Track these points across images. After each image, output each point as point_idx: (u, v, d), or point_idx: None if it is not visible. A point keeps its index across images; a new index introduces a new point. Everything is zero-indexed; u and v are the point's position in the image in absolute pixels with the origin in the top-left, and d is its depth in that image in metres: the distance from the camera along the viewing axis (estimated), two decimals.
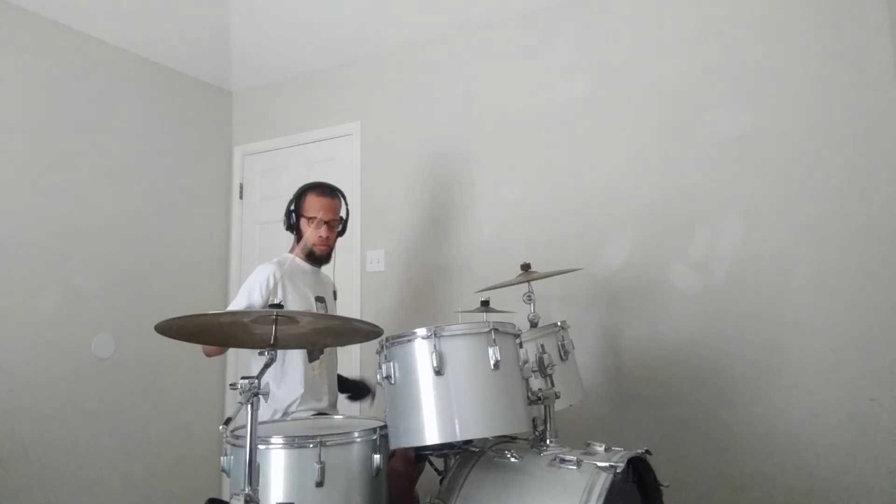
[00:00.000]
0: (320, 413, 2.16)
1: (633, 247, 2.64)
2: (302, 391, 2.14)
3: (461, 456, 1.76)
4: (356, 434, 1.59)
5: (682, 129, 2.60)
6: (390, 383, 1.61)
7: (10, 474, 2.57)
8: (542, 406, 1.76)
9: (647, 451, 1.68)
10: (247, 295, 2.13)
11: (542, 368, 1.87)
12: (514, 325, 1.71)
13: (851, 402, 2.21)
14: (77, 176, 2.96)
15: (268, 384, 1.37)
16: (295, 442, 1.52)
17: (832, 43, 2.35)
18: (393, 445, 1.62)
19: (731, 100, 2.51)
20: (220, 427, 1.35)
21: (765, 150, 2.43)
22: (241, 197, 3.75)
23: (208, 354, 2.19)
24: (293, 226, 2.28)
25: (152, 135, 3.34)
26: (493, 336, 1.57)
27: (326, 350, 2.27)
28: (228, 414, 1.76)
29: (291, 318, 1.44)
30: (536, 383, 1.82)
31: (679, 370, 2.50)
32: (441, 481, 1.77)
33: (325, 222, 2.24)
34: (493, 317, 2.07)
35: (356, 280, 3.27)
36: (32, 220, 2.77)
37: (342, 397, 2.40)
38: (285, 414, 2.13)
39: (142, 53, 3.30)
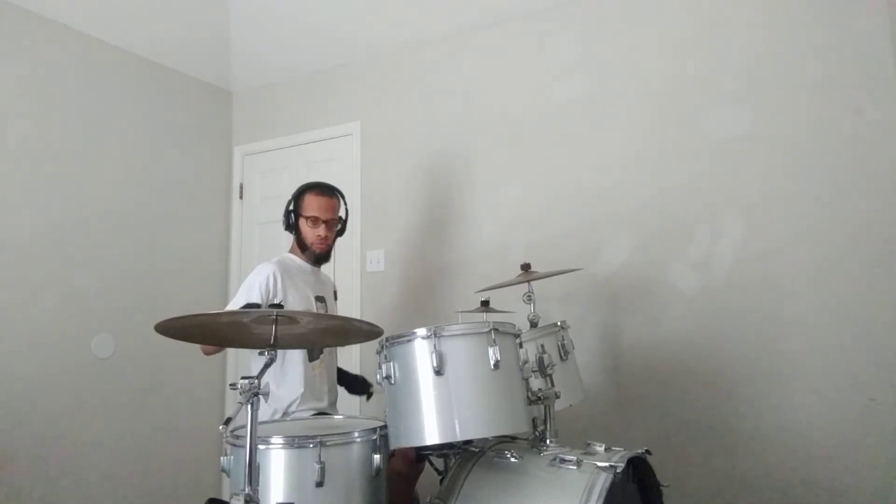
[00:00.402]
0: (320, 412, 2.16)
1: (634, 246, 2.64)
2: (302, 391, 2.14)
3: (461, 456, 1.76)
4: (356, 434, 1.59)
5: (682, 128, 2.60)
6: (390, 383, 1.61)
7: (10, 474, 2.57)
8: (542, 406, 1.76)
9: (647, 451, 1.68)
10: (246, 294, 2.14)
11: (542, 368, 1.87)
12: (514, 325, 1.71)
13: (851, 402, 2.21)
14: (77, 176, 2.96)
15: (268, 384, 1.36)
16: (295, 442, 1.52)
17: (832, 43, 2.35)
18: (393, 445, 1.62)
19: (730, 100, 2.51)
20: (220, 427, 1.35)
21: (765, 150, 2.43)
22: (241, 197, 3.75)
23: (207, 353, 2.18)
24: (292, 225, 2.28)
25: (152, 135, 3.34)
26: (493, 336, 1.57)
27: (326, 350, 2.27)
28: (228, 414, 1.76)
29: (291, 318, 1.44)
30: (536, 383, 1.82)
31: (679, 370, 2.50)
32: (441, 481, 1.77)
33: (324, 221, 2.25)
34: (493, 317, 2.07)
35: (356, 280, 3.27)
36: (32, 220, 2.77)
37: (340, 391, 2.40)
38: (285, 414, 2.13)
39: (142, 53, 3.30)
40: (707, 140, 2.54)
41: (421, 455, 1.96)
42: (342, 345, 2.48)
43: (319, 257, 2.30)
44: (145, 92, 3.32)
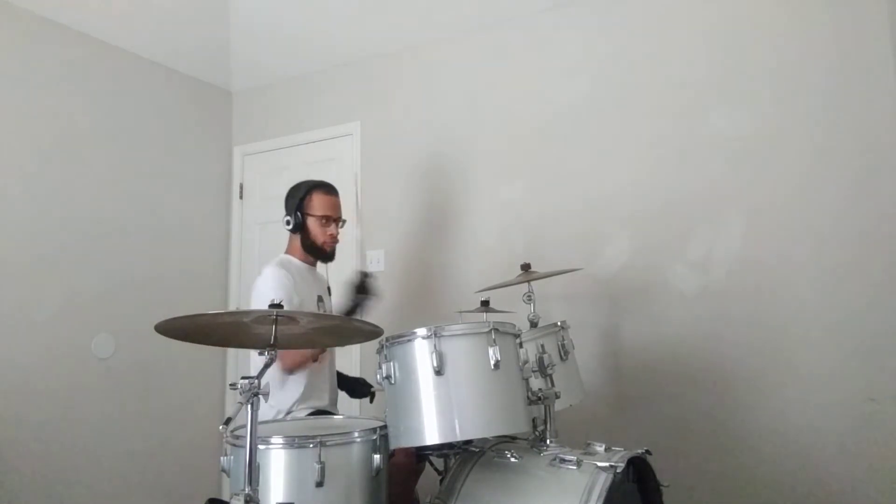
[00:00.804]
0: (321, 411, 2.16)
1: (635, 247, 2.64)
2: (303, 391, 2.14)
3: (461, 456, 1.76)
4: (356, 434, 1.59)
5: (683, 129, 2.59)
6: (390, 383, 1.61)
7: (10, 473, 2.57)
8: (542, 406, 1.76)
9: (647, 451, 1.68)
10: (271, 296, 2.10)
11: (542, 368, 1.87)
12: (514, 325, 1.71)
13: (851, 403, 2.21)
14: (77, 176, 2.96)
15: (268, 384, 1.36)
16: (295, 442, 1.52)
17: (834, 44, 2.35)
18: (393, 445, 1.61)
19: (733, 101, 2.51)
20: (220, 427, 1.35)
21: (767, 152, 2.43)
22: (241, 197, 3.75)
23: (293, 369, 2.08)
24: (299, 225, 2.27)
25: (152, 135, 3.34)
26: (493, 336, 1.57)
27: (327, 349, 2.27)
28: (228, 414, 1.76)
29: (291, 318, 1.44)
30: (536, 383, 1.82)
31: (679, 370, 2.50)
32: (441, 481, 1.77)
33: (333, 220, 2.28)
34: (493, 317, 2.08)
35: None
36: (32, 220, 2.77)
37: (341, 394, 2.40)
38: (287, 413, 2.13)
39: (142, 54, 3.30)
40: (709, 141, 2.54)
41: (421, 455, 1.96)
42: (342, 345, 2.48)
43: (329, 255, 2.31)
44: (145, 92, 3.32)
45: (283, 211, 2.33)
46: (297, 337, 1.58)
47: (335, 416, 2.11)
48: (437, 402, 1.53)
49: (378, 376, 1.64)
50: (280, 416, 2.11)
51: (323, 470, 1.49)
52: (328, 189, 2.30)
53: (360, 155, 3.37)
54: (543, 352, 1.90)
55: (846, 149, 2.30)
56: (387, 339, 1.63)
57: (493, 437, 1.81)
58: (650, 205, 2.62)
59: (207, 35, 3.21)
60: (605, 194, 2.72)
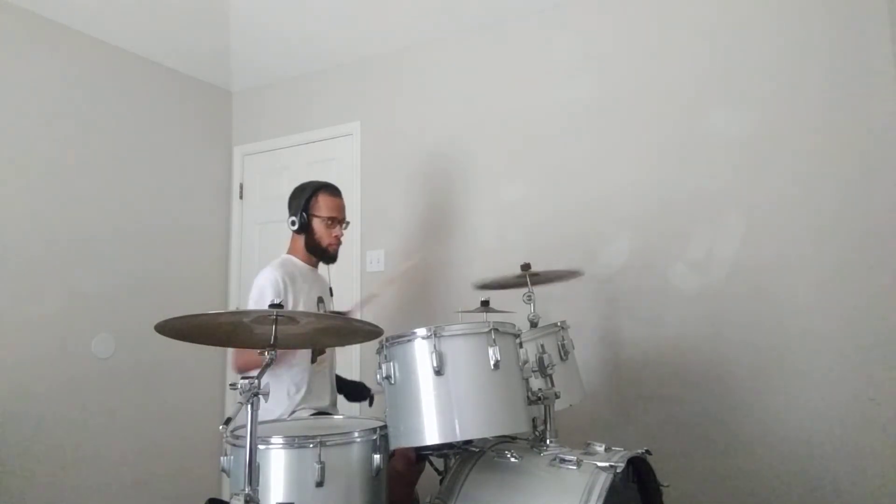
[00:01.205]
0: (321, 412, 2.16)
1: (634, 247, 2.64)
2: (304, 392, 2.14)
3: (461, 456, 1.76)
4: (356, 434, 1.59)
5: (684, 130, 2.59)
6: (390, 383, 1.61)
7: (10, 473, 2.57)
8: (542, 406, 1.76)
9: (647, 451, 1.68)
10: (257, 299, 2.10)
11: (542, 368, 1.87)
12: (514, 325, 1.71)
13: (851, 402, 2.21)
14: (77, 176, 2.96)
15: (268, 384, 1.36)
16: (295, 442, 1.52)
17: (835, 44, 2.35)
18: (393, 445, 1.61)
19: (733, 102, 2.51)
20: (220, 427, 1.35)
21: (768, 152, 2.43)
22: (241, 197, 3.75)
23: (244, 369, 2.03)
24: (304, 226, 2.27)
25: (152, 135, 3.34)
26: (493, 336, 1.57)
27: (327, 350, 2.27)
28: (228, 414, 1.76)
29: (291, 318, 1.44)
30: (536, 383, 1.82)
31: (679, 370, 2.50)
32: (441, 481, 1.78)
33: (339, 221, 2.29)
34: (493, 317, 2.07)
35: (356, 280, 3.27)
36: (33, 220, 2.77)
37: (340, 397, 2.40)
38: (287, 414, 2.12)
39: (142, 54, 3.30)
40: (709, 141, 2.54)
41: (421, 455, 1.96)
42: (342, 345, 2.48)
43: (333, 257, 2.31)
44: (145, 92, 3.32)
45: (283, 211, 2.33)
46: (297, 337, 1.59)
47: (335, 417, 2.11)
48: (436, 402, 1.53)
49: (378, 376, 1.64)
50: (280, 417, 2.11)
51: (323, 470, 1.49)
52: (333, 190, 2.31)
53: (360, 155, 3.37)
54: (543, 352, 1.90)
55: (846, 149, 2.30)
56: (387, 339, 1.63)
57: (493, 437, 1.81)
58: (650, 205, 2.62)
59: (207, 35, 3.21)
60: (605, 194, 2.72)
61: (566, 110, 2.85)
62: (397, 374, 1.59)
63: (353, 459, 1.57)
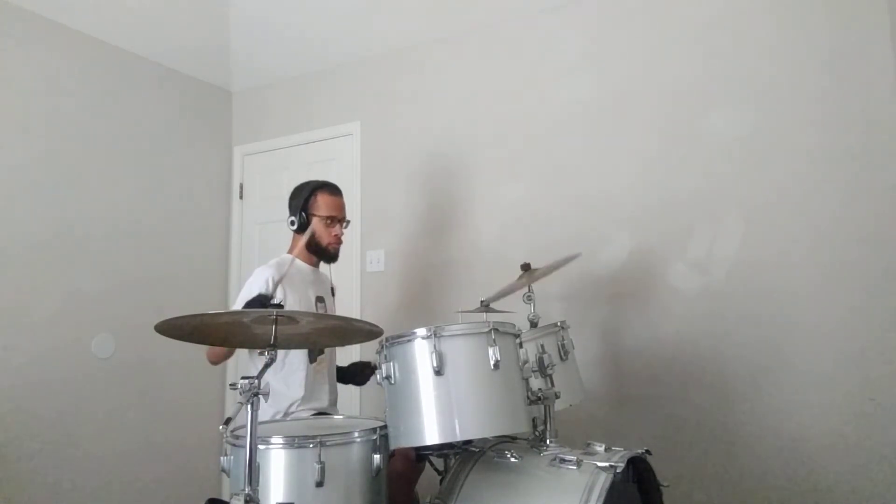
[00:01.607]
0: (321, 412, 2.16)
1: (635, 247, 2.64)
2: (303, 392, 2.14)
3: (461, 456, 1.76)
4: (356, 434, 1.59)
5: (684, 129, 2.59)
6: (390, 383, 1.61)
7: (10, 473, 2.57)
8: (542, 406, 1.76)
9: (647, 451, 1.68)
10: (244, 298, 2.11)
11: (542, 368, 1.87)
12: (514, 325, 1.71)
13: (851, 403, 2.21)
14: (77, 176, 2.96)
15: (268, 384, 1.36)
16: (295, 442, 1.52)
17: (834, 45, 2.35)
18: (393, 445, 1.61)
19: (733, 101, 2.51)
20: (220, 427, 1.35)
21: (767, 152, 2.43)
22: (241, 197, 3.76)
23: (215, 361, 2.17)
24: (304, 225, 2.27)
25: (152, 135, 3.34)
26: (493, 336, 1.57)
27: (326, 350, 2.27)
28: (228, 414, 1.76)
29: (291, 318, 1.44)
30: (536, 383, 1.82)
31: (679, 370, 2.50)
32: (441, 481, 1.78)
33: (339, 221, 2.28)
34: (493, 317, 2.07)
35: (356, 280, 3.27)
36: (32, 220, 2.77)
37: (350, 387, 2.38)
38: (286, 414, 2.12)
39: (142, 54, 3.30)
40: (710, 141, 2.54)
41: (421, 455, 1.96)
42: (342, 345, 2.48)
43: (333, 256, 2.31)
44: (145, 92, 3.32)
45: (283, 211, 2.32)
46: (298, 337, 1.59)
47: (335, 417, 2.11)
48: (436, 402, 1.53)
49: (378, 376, 1.64)
50: (278, 418, 2.11)
51: (323, 470, 1.49)
52: (333, 189, 2.30)
53: (360, 155, 3.37)
54: (543, 352, 1.90)
55: (845, 149, 2.30)
56: (387, 340, 1.63)
57: (493, 437, 1.81)
58: (650, 205, 2.62)
59: (207, 35, 3.21)
60: (605, 194, 2.72)
61: (566, 110, 2.85)
62: (397, 374, 1.60)
63: (353, 459, 1.57)
